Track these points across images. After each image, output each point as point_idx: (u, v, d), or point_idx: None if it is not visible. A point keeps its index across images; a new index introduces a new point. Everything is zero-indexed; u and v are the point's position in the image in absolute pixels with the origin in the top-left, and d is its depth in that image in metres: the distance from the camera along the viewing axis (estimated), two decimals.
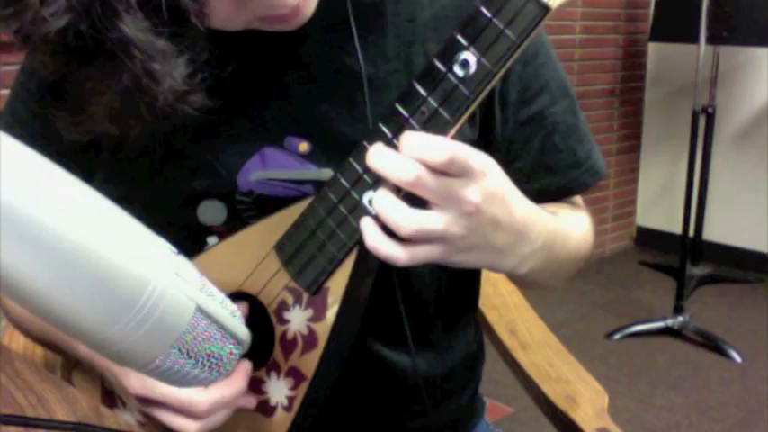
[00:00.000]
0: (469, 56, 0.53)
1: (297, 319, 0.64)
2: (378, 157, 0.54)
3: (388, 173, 0.54)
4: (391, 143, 0.55)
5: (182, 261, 0.48)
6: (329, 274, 0.62)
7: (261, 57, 0.67)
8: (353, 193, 0.58)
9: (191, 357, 0.48)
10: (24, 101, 0.74)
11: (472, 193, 0.53)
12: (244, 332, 0.54)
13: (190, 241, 0.69)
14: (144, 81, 0.50)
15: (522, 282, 0.76)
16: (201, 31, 0.50)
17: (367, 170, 0.57)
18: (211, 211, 0.71)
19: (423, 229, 0.54)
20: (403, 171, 0.53)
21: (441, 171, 0.53)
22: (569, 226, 0.72)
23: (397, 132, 0.55)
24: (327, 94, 0.68)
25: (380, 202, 0.55)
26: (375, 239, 0.56)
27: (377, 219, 0.56)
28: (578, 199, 0.80)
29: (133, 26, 0.48)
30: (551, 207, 0.72)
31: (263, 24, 0.59)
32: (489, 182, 0.55)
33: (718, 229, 3.39)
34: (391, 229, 0.55)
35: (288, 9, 0.56)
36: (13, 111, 0.75)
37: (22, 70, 0.75)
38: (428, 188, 0.53)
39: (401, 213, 0.54)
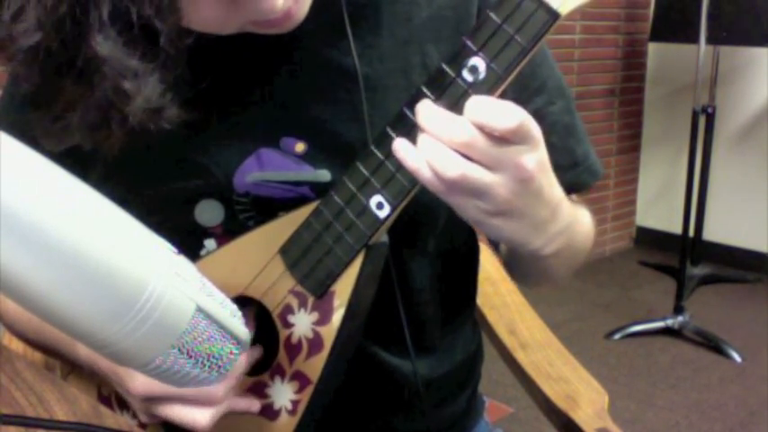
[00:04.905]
0: (479, 61, 0.53)
1: (302, 322, 0.64)
2: (427, 114, 0.53)
3: (438, 130, 0.52)
4: None
5: (182, 261, 0.48)
6: (336, 277, 0.62)
7: (256, 57, 0.67)
8: (361, 197, 0.58)
9: (191, 357, 0.48)
10: (11, 102, 0.75)
11: (530, 160, 0.52)
12: (244, 332, 0.54)
13: (187, 242, 0.69)
14: (115, 98, 0.50)
15: (537, 270, 0.75)
16: (175, 49, 0.50)
17: (374, 174, 0.57)
18: (209, 212, 0.70)
19: (469, 176, 0.51)
20: (456, 129, 0.51)
21: (499, 137, 0.51)
22: (581, 217, 0.73)
23: (404, 136, 0.55)
24: (323, 95, 0.68)
25: (426, 143, 0.52)
26: (419, 161, 0.53)
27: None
28: (575, 197, 0.80)
29: (105, 44, 0.47)
30: None
31: (256, 28, 0.59)
32: (543, 151, 0.54)
33: (718, 229, 3.39)
34: (435, 171, 0.52)
35: (279, 14, 0.56)
36: (5, 110, 0.76)
37: (10, 74, 0.75)
38: (482, 149, 0.51)
39: (447, 156, 0.51)
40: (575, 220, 0.66)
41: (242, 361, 0.63)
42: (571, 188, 0.76)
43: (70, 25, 0.47)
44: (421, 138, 0.53)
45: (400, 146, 0.54)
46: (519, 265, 0.78)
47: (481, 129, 0.51)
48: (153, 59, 0.49)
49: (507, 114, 0.51)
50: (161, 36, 0.48)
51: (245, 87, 0.68)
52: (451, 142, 0.51)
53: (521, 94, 0.72)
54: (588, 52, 3.29)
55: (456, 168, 0.51)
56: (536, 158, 0.53)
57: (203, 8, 0.53)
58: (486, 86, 0.53)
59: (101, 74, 0.48)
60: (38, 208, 0.40)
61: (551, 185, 0.57)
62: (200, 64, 0.59)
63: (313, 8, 0.61)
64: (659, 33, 2.89)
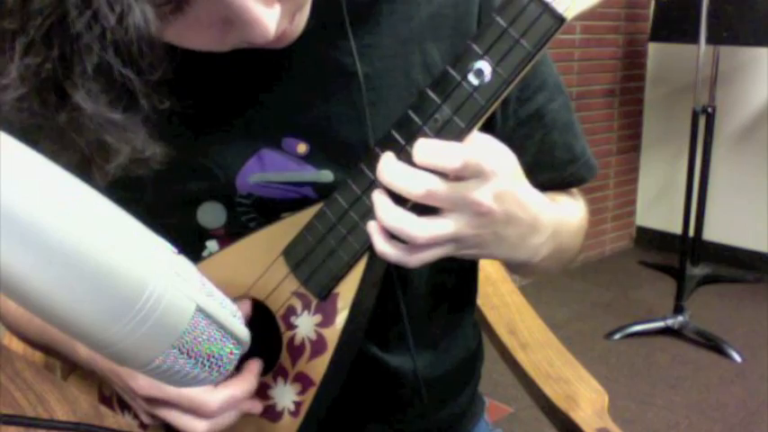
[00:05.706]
0: (484, 65, 0.53)
1: (305, 324, 0.64)
2: (387, 171, 0.55)
3: (398, 187, 0.54)
4: (404, 150, 0.55)
5: (182, 261, 0.48)
6: (339, 279, 0.62)
7: (256, 58, 0.67)
8: (365, 200, 0.58)
9: (191, 357, 0.48)
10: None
11: (484, 194, 0.54)
12: (244, 332, 0.54)
13: (189, 244, 0.69)
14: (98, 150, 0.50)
15: (530, 271, 0.78)
16: (154, 109, 0.50)
17: None
18: (211, 213, 0.70)
19: (436, 236, 0.54)
20: (413, 185, 0.54)
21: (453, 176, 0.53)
22: (569, 214, 0.74)
23: (409, 140, 0.55)
24: (324, 95, 0.68)
25: (388, 216, 0.55)
26: (384, 245, 0.57)
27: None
28: (575, 190, 0.81)
29: (88, 99, 0.47)
30: (550, 194, 0.72)
31: (252, 46, 0.59)
32: (500, 180, 0.55)
33: (718, 229, 3.39)
34: (405, 240, 0.55)
35: (273, 38, 0.56)
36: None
37: None
38: (439, 198, 0.54)
39: (412, 225, 0.54)
40: (560, 224, 0.68)
41: (250, 378, 0.63)
42: (570, 183, 0.78)
43: (53, 80, 0.47)
44: (381, 209, 0.56)
45: (371, 230, 0.57)
46: (512, 268, 0.80)
47: (432, 171, 0.54)
48: (137, 113, 0.49)
49: (452, 154, 0.53)
50: (139, 98, 0.48)
51: (245, 88, 0.68)
52: (416, 196, 0.54)
53: (523, 92, 0.72)
54: (588, 52, 3.29)
55: (423, 233, 0.54)
56: (490, 191, 0.55)
57: (197, 37, 0.54)
58: (492, 90, 0.53)
59: (82, 128, 0.48)
60: (38, 208, 0.40)
61: (523, 205, 0.59)
62: (199, 66, 0.59)
63: (313, 8, 0.61)
64: (659, 33, 2.89)
